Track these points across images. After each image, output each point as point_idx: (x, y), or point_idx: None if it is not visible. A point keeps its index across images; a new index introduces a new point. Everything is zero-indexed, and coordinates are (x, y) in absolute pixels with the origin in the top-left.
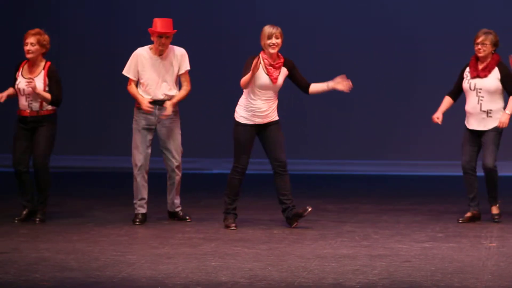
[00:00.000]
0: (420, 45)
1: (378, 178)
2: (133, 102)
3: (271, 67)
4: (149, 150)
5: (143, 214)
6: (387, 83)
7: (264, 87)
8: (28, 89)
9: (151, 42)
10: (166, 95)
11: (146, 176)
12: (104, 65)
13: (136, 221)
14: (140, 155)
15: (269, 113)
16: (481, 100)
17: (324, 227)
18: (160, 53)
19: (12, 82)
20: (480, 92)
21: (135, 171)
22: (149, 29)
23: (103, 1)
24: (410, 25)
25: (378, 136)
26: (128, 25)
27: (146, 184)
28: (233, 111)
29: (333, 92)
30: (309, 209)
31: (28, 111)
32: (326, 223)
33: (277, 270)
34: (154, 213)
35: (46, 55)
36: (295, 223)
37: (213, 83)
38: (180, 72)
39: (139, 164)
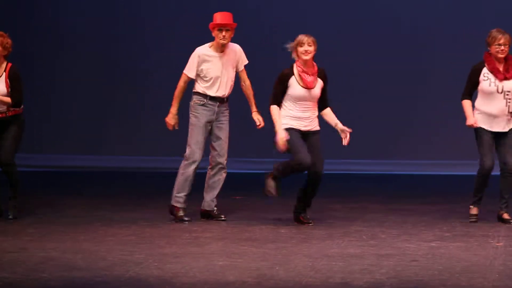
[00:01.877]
0: (430, 44)
1: (386, 178)
2: (138, 100)
3: (304, 74)
4: (204, 147)
5: (184, 209)
6: (396, 83)
7: (300, 98)
8: None
9: (149, 42)
10: (227, 91)
11: (195, 172)
12: (103, 63)
13: (185, 220)
14: (198, 151)
15: (311, 121)
16: (509, 102)
17: (332, 226)
18: (222, 49)
19: None
20: (507, 95)
21: (192, 167)
22: (210, 24)
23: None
24: (417, 25)
25: (386, 135)
26: (126, 25)
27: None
28: (245, 109)
29: (340, 91)
30: None
31: None
32: (334, 222)
33: (284, 269)
34: (161, 212)
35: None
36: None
37: None
38: (240, 69)
39: (196, 159)
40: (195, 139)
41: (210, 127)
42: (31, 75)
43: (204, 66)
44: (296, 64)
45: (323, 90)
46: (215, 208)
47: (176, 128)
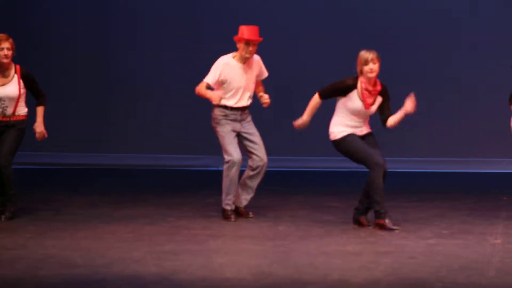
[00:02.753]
0: (428, 43)
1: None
2: (137, 98)
3: (367, 92)
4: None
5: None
6: (391, 79)
7: (355, 112)
8: (4, 95)
9: (148, 42)
10: (248, 102)
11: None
12: (102, 61)
13: (232, 218)
14: (236, 151)
15: (364, 126)
16: None
17: (330, 223)
18: (245, 61)
19: None
20: None
21: (234, 168)
22: (235, 36)
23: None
24: (410, 24)
25: (384, 133)
26: (124, 23)
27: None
28: (252, 109)
29: None
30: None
31: (0, 116)
32: (332, 219)
33: (282, 266)
34: (160, 210)
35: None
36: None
37: None
38: (261, 79)
39: (237, 159)
40: (228, 142)
41: (237, 137)
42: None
43: (227, 76)
44: (360, 80)
45: (385, 106)
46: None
47: (224, 97)
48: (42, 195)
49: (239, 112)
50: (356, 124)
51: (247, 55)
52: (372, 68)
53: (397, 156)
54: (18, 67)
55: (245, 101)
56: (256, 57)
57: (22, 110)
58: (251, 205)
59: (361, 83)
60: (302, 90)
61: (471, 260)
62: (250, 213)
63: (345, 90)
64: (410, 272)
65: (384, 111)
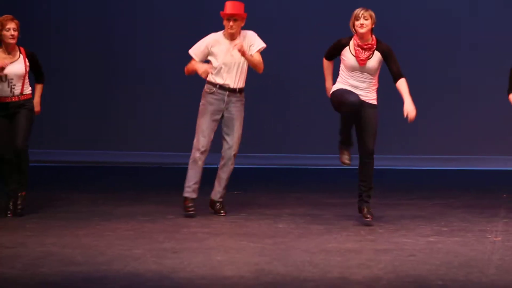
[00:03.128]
0: (428, 42)
1: (383, 173)
2: (137, 95)
3: (359, 48)
4: (213, 136)
5: (193, 199)
6: (388, 78)
7: (352, 68)
8: (12, 73)
9: (148, 42)
10: (237, 82)
11: (202, 163)
12: (102, 60)
13: (190, 210)
14: (203, 139)
15: (367, 92)
16: None
17: (329, 221)
18: (231, 37)
19: None
20: None
21: (197, 155)
22: (220, 12)
23: None
24: (416, 24)
25: (382, 130)
26: (124, 22)
27: (201, 171)
28: (247, 105)
29: None
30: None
31: (9, 97)
32: (332, 217)
33: (282, 264)
34: (160, 207)
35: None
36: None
37: None
38: (252, 52)
39: (202, 148)
40: (200, 128)
41: (220, 117)
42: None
43: (213, 50)
44: (354, 38)
45: (388, 63)
46: (219, 201)
47: (211, 71)
48: (42, 193)
49: (226, 93)
50: (356, 83)
51: (230, 30)
52: (362, 23)
53: (396, 154)
54: (22, 48)
55: (233, 81)
56: (248, 32)
57: (28, 88)
58: (251, 202)
59: (353, 40)
60: (299, 88)
61: (471, 257)
62: (222, 211)
63: (340, 48)
64: (409, 269)
65: (390, 68)
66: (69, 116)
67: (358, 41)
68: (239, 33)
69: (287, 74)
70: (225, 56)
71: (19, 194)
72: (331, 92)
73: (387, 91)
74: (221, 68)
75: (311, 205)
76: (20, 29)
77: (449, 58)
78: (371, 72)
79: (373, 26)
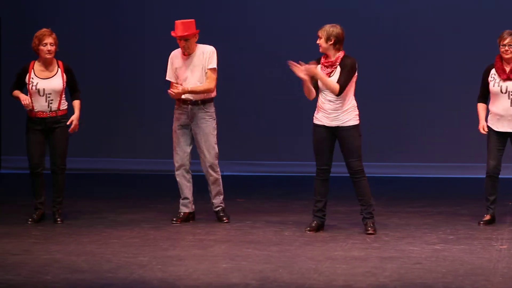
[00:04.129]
0: (428, 47)
1: (389, 180)
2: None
3: (322, 66)
4: (188, 150)
5: (185, 213)
6: (395, 85)
7: (321, 87)
8: (50, 88)
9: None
10: (195, 96)
11: (187, 176)
12: (106, 67)
13: (173, 220)
14: (177, 156)
15: (337, 116)
16: None
17: (335, 229)
18: (186, 54)
19: (17, 84)
20: None
21: (175, 172)
22: (171, 32)
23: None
24: (415, 27)
25: (388, 137)
26: (127, 28)
27: (188, 184)
28: (253, 113)
29: None
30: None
31: (47, 112)
32: (337, 225)
33: (288, 272)
34: (165, 215)
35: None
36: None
37: (224, 84)
38: (205, 70)
39: (176, 164)
40: (174, 144)
41: (190, 131)
42: None
43: (175, 68)
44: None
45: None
46: (218, 209)
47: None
48: (47, 200)
49: (189, 106)
50: (326, 104)
51: (182, 50)
52: (318, 43)
53: (401, 162)
54: (60, 62)
55: (190, 95)
56: (207, 48)
57: (65, 104)
58: (256, 209)
59: (322, 58)
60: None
61: (477, 265)
62: (224, 218)
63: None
64: (415, 277)
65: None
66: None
67: (323, 59)
68: (195, 48)
69: (293, 80)
70: (183, 73)
71: (56, 211)
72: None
73: (392, 97)
74: (182, 83)
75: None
76: (22, 39)
77: (453, 63)
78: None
79: (330, 43)
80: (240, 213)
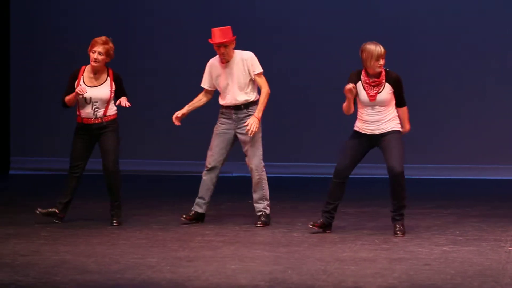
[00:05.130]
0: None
1: None
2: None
3: (367, 85)
4: (224, 154)
5: (196, 212)
6: (413, 85)
7: (365, 103)
8: (96, 97)
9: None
10: (239, 99)
11: (214, 179)
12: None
13: (183, 216)
14: (211, 157)
15: (379, 125)
16: None
17: (344, 230)
18: (225, 61)
19: (68, 91)
20: None
21: (204, 171)
22: (208, 39)
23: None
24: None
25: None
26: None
27: (211, 187)
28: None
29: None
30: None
31: (93, 119)
32: (346, 226)
33: (296, 273)
34: (174, 216)
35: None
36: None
37: None
38: (252, 77)
39: (208, 165)
40: (211, 145)
41: (233, 136)
42: (37, 79)
43: (214, 76)
44: (363, 73)
45: (395, 95)
46: (260, 214)
47: (179, 116)
48: (55, 201)
49: (232, 111)
50: (369, 118)
51: (222, 57)
52: (382, 64)
53: (411, 163)
54: (110, 70)
55: (233, 100)
56: (246, 54)
57: (112, 109)
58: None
59: (362, 76)
60: (313, 97)
61: (485, 267)
62: (259, 222)
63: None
64: (424, 279)
65: (396, 97)
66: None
67: (365, 77)
68: (232, 55)
69: (302, 84)
70: (223, 80)
71: (115, 214)
72: (351, 134)
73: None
74: (222, 91)
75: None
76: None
77: (469, 65)
78: (384, 104)
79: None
80: (249, 214)
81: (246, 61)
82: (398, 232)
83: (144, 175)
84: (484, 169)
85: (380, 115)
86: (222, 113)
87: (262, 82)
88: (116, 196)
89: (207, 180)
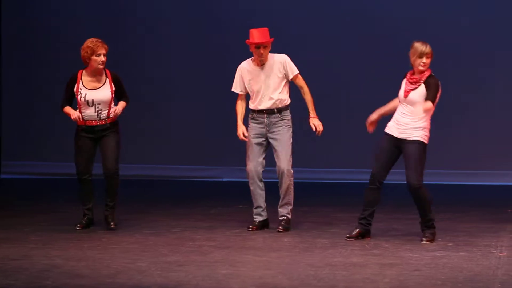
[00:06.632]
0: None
1: (390, 187)
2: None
3: (407, 81)
4: (261, 158)
5: (259, 221)
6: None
7: (400, 99)
8: (98, 99)
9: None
10: (273, 103)
11: (261, 184)
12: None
13: (249, 227)
14: (250, 164)
15: (406, 129)
16: None
17: (335, 235)
18: (261, 63)
19: (66, 97)
20: None
21: (248, 180)
22: (247, 40)
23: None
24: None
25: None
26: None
27: (262, 192)
28: (246, 118)
29: (344, 101)
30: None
31: (96, 121)
32: (337, 231)
33: (287, 278)
34: (165, 220)
35: None
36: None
37: (224, 91)
38: (290, 78)
39: (250, 173)
40: (248, 150)
41: (265, 140)
42: (28, 84)
43: (246, 80)
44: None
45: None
46: (282, 218)
47: (246, 134)
48: (47, 205)
49: (265, 115)
50: (400, 118)
51: (260, 58)
52: (425, 62)
53: (402, 168)
54: (108, 71)
55: (266, 104)
56: (280, 57)
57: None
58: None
59: (410, 72)
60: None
61: (476, 272)
62: (280, 227)
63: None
64: (415, 284)
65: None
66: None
67: (410, 74)
68: (267, 57)
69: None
70: (257, 83)
71: (109, 215)
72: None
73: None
74: (255, 95)
75: (318, 219)
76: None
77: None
78: (415, 106)
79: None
80: (240, 219)
81: (281, 64)
82: (423, 239)
83: (136, 180)
84: (475, 174)
85: (409, 118)
86: (253, 118)
87: (302, 82)
88: (113, 197)
89: (256, 188)
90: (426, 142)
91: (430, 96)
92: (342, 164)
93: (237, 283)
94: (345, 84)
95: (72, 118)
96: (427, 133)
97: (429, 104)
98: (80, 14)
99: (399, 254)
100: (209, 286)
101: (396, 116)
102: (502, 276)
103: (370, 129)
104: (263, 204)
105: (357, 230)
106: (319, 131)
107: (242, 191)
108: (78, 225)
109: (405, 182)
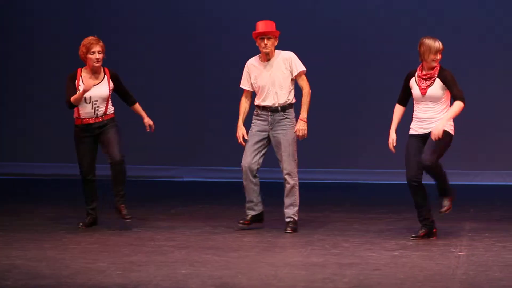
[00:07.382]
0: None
1: (350, 187)
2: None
3: (420, 79)
4: (258, 156)
5: (252, 216)
6: (363, 94)
7: (416, 99)
8: (96, 95)
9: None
10: (278, 100)
11: (254, 180)
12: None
13: (240, 222)
14: (245, 159)
15: (431, 123)
16: None
17: (295, 235)
18: (267, 57)
19: (71, 89)
20: None
21: (243, 174)
22: (253, 32)
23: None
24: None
25: (351, 144)
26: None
27: (255, 187)
28: (215, 117)
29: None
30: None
31: (93, 118)
32: (297, 231)
33: (247, 278)
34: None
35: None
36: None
37: (192, 89)
38: (294, 75)
39: (243, 169)
40: (246, 147)
41: (266, 138)
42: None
43: (253, 76)
44: (418, 67)
45: (448, 87)
46: (289, 220)
47: (246, 138)
48: (7, 206)
49: (269, 113)
50: (421, 115)
51: (264, 50)
52: (439, 58)
53: (363, 168)
54: (106, 69)
55: (271, 100)
56: (287, 54)
57: (111, 109)
58: (218, 215)
59: (417, 71)
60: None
61: (435, 272)
62: (288, 229)
63: (407, 80)
64: (374, 284)
65: (450, 92)
66: (40, 129)
67: (420, 71)
68: (274, 52)
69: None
70: (262, 79)
71: (121, 206)
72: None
73: (354, 103)
74: (261, 91)
75: (277, 219)
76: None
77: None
78: (436, 100)
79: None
80: (200, 219)
81: (287, 60)
82: (443, 207)
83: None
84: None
85: (432, 112)
86: (257, 115)
87: (304, 82)
88: (123, 185)
89: (248, 183)
90: (452, 133)
91: (454, 91)
92: (300, 164)
93: (196, 283)
94: (345, 84)
95: (86, 87)
96: (452, 123)
97: (460, 104)
98: (63, 14)
99: (359, 254)
100: (169, 286)
101: (416, 115)
102: (462, 276)
103: (393, 149)
104: (255, 199)
105: (423, 230)
106: (302, 136)
107: (202, 190)
108: (81, 223)
109: (363, 181)
